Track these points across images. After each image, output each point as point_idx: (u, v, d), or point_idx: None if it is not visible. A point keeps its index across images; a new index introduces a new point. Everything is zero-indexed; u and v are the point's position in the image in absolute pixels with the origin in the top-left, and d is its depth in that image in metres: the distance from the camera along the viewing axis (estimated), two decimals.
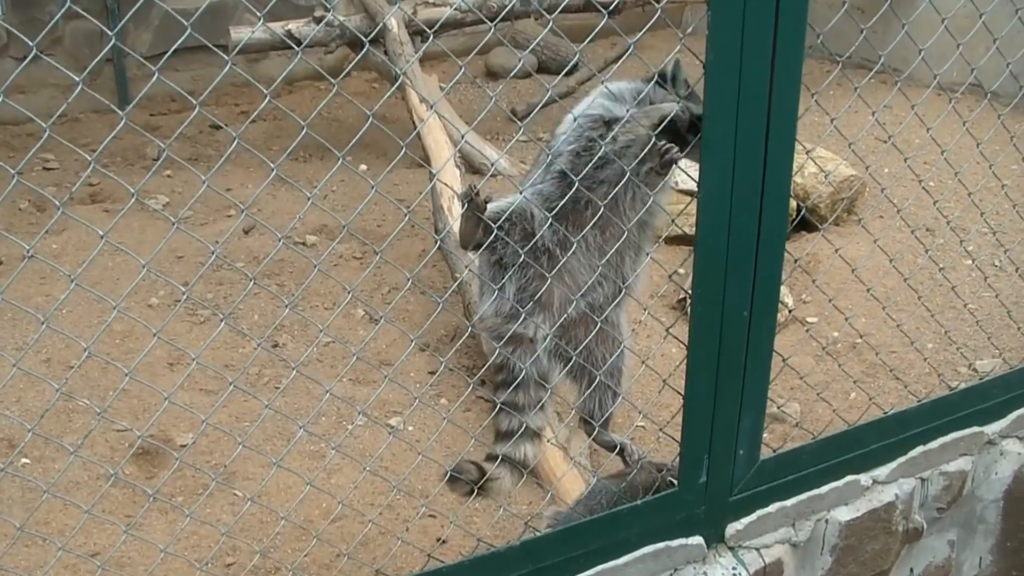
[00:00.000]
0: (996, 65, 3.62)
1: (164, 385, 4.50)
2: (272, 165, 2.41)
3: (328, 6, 7.21)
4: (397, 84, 6.49)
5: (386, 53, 6.95)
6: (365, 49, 4.70)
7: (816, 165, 5.48)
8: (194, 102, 2.18)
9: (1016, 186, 5.73)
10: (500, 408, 3.70)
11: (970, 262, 5.45)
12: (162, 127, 7.50)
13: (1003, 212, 5.80)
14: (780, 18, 2.66)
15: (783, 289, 4.87)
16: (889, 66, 3.50)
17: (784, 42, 2.68)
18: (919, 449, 3.59)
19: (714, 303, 2.88)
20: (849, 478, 3.44)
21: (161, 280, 5.40)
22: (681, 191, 6.05)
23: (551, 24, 2.91)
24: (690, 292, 2.84)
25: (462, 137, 5.31)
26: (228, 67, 2.25)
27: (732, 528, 3.25)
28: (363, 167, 6.87)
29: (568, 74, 8.59)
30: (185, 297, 5.29)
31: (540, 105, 7.29)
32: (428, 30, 5.64)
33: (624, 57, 8.94)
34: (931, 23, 3.38)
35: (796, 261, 3.35)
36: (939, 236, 5.73)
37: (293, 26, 6.85)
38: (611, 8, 7.12)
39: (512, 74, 8.77)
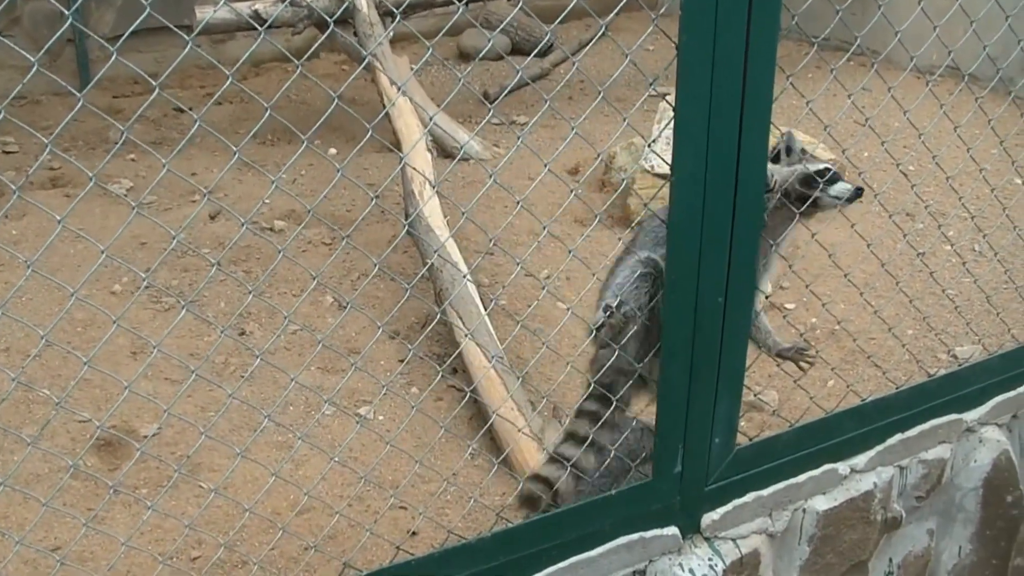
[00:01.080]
0: (975, 48, 3.63)
1: (127, 374, 4.48)
2: (235, 148, 2.40)
3: None
4: (364, 64, 6.45)
5: (355, 35, 6.92)
6: (330, 30, 4.67)
7: None
8: (153, 83, 2.16)
9: (995, 170, 5.75)
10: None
11: (950, 247, 5.48)
12: (125, 110, 7.45)
13: (983, 196, 5.83)
14: None
15: None
16: (867, 48, 3.51)
17: (759, 22, 2.69)
18: (897, 437, 3.61)
19: (688, 289, 2.89)
20: (827, 467, 3.46)
21: (124, 267, 5.37)
22: (657, 175, 6.08)
23: (521, 4, 2.89)
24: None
25: (430, 119, 5.29)
26: (188, 48, 2.23)
27: (708, 518, 3.26)
28: (332, 151, 6.85)
29: (541, 55, 8.58)
30: (145, 284, 5.26)
31: (512, 87, 7.28)
32: (396, 11, 5.62)
33: (596, 38, 8.98)
34: (909, 4, 3.40)
35: (772, 247, 3.36)
36: (919, 221, 5.75)
37: (260, 6, 6.82)
38: None
39: (483, 55, 8.75)
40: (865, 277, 4.99)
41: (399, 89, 6.31)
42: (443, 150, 6.66)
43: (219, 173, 6.42)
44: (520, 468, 3.93)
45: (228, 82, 2.39)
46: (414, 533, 3.74)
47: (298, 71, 2.35)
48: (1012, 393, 3.92)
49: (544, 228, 3.00)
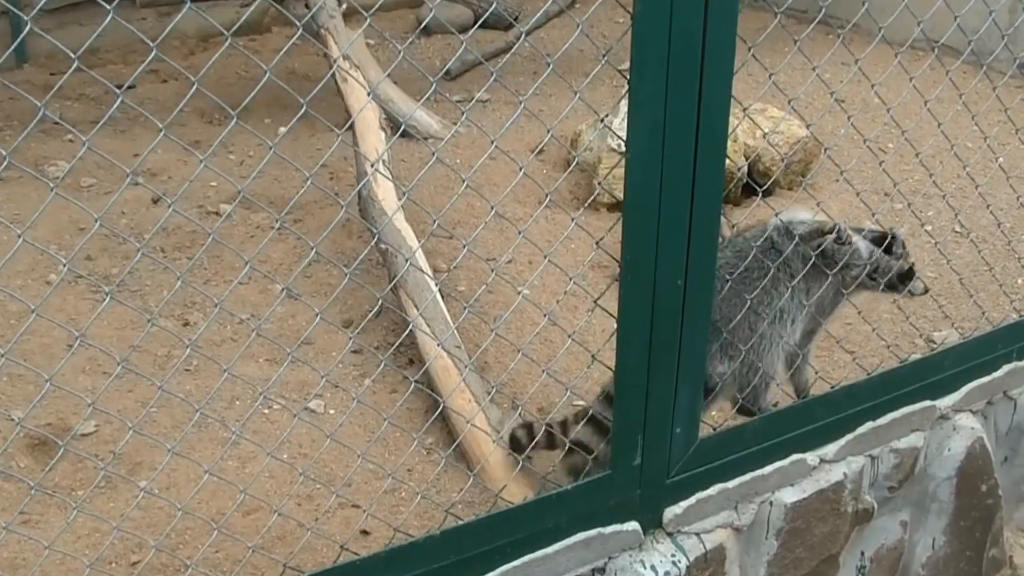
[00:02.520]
0: (947, 19, 3.64)
1: (64, 369, 4.44)
2: (161, 126, 2.37)
3: None
4: (295, 35, 6.42)
5: (307, 7, 6.89)
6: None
7: (754, 125, 5.48)
8: (72, 55, 2.13)
9: (976, 148, 5.77)
10: None
11: (929, 227, 5.49)
12: (64, 87, 7.38)
13: (963, 176, 5.84)
14: None
15: None
16: (832, 17, 3.51)
17: None
18: (868, 425, 3.62)
19: (645, 271, 2.88)
20: (795, 457, 3.47)
21: (61, 254, 5.33)
22: (623, 154, 6.08)
23: None
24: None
25: (369, 93, 5.25)
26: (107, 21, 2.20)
27: (670, 512, 3.26)
28: (282, 130, 6.80)
29: (505, 28, 8.55)
30: (66, 268, 5.21)
31: (475, 63, 7.27)
32: None
33: (563, 12, 8.96)
34: None
35: (734, 226, 3.36)
36: (896, 202, 5.76)
37: None
38: None
39: (444, 28, 8.72)
40: None
41: (338, 60, 6.24)
42: (399, 129, 6.63)
43: (164, 154, 6.38)
44: (476, 462, 3.91)
45: (148, 57, 2.35)
46: (366, 532, 3.72)
47: (227, 44, 2.32)
48: (987, 378, 3.94)
49: (492, 208, 2.98)
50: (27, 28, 7.35)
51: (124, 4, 7.61)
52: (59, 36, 2.20)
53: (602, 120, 3.85)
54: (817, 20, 3.41)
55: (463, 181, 3.00)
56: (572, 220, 3.26)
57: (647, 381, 3.02)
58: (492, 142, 2.74)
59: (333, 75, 6.51)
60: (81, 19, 7.56)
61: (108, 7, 2.28)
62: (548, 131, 3.19)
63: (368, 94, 4.73)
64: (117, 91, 2.35)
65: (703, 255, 2.96)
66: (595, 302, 3.07)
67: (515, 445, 3.85)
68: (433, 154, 2.74)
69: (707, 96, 2.79)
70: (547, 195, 3.07)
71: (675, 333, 3.00)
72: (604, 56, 2.87)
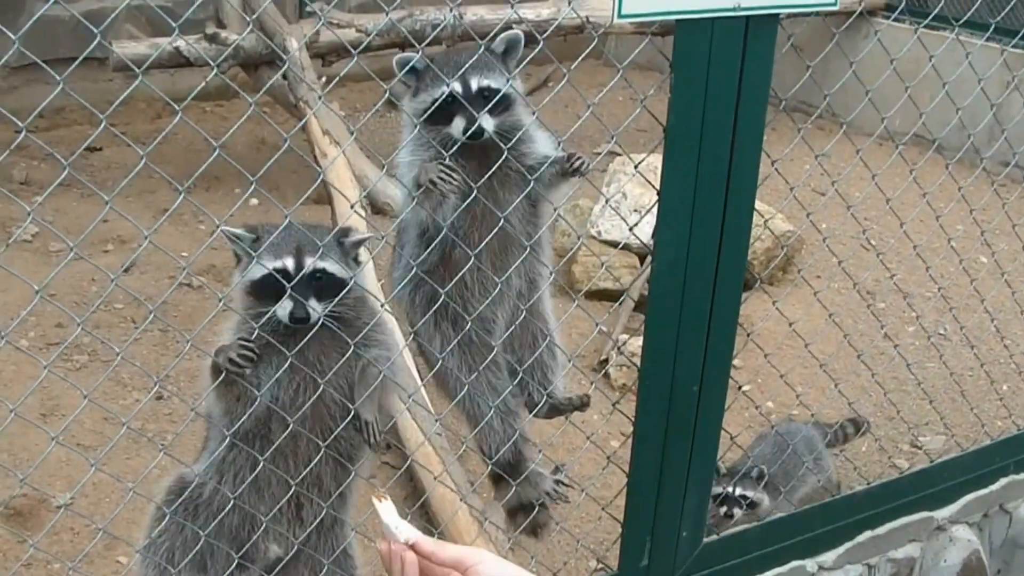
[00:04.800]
0: (943, 115, 3.79)
1: (37, 438, 4.47)
2: (105, 198, 2.43)
3: (223, 23, 7.24)
4: (251, 107, 6.51)
5: (284, 77, 6.98)
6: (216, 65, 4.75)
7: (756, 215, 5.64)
8: (19, 124, 2.17)
9: (962, 247, 5.94)
10: None
11: (913, 328, 5.64)
12: (30, 146, 7.41)
13: (948, 275, 6.01)
14: (744, 83, 2.79)
15: None
16: (829, 111, 3.66)
17: (747, 110, 2.82)
18: (867, 534, 3.74)
19: (663, 376, 3.00)
20: (794, 563, 3.58)
21: (31, 320, 5.37)
22: (604, 242, 6.21)
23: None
24: (615, 352, 2.94)
25: (327, 164, 5.34)
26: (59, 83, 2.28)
27: None
28: (254, 201, 6.87)
29: None
30: (10, 331, 5.24)
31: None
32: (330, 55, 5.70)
33: (538, 89, 9.12)
34: (875, 66, 3.53)
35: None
36: (880, 300, 5.92)
37: (182, 43, 6.85)
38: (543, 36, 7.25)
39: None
40: (824, 359, 5.13)
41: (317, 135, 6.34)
42: (374, 206, 6.72)
43: (134, 220, 6.41)
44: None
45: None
46: None
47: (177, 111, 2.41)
48: (984, 491, 4.08)
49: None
50: None
51: (92, 65, 7.73)
52: (25, 94, 2.28)
53: (608, 201, 3.97)
54: (820, 111, 3.56)
55: None
56: (575, 303, 3.35)
57: (659, 484, 3.12)
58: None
59: (312, 148, 6.62)
60: (48, 78, 7.59)
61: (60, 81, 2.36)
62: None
63: (327, 165, 4.82)
64: (63, 161, 2.38)
65: (719, 363, 3.08)
66: (614, 406, 3.18)
67: None
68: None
69: (731, 209, 2.92)
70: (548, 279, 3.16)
71: (688, 437, 3.12)
72: (613, 138, 2.97)
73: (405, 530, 1.67)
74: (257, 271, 2.88)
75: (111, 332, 5.46)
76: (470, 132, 3.26)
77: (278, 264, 2.87)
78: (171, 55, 6.80)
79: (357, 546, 3.24)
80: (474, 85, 3.30)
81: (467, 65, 3.31)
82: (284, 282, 2.79)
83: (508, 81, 3.35)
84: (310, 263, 2.85)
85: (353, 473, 3.05)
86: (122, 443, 4.57)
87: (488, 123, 3.29)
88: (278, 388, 2.89)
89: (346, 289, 2.91)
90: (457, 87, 3.28)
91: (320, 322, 2.85)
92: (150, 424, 4.81)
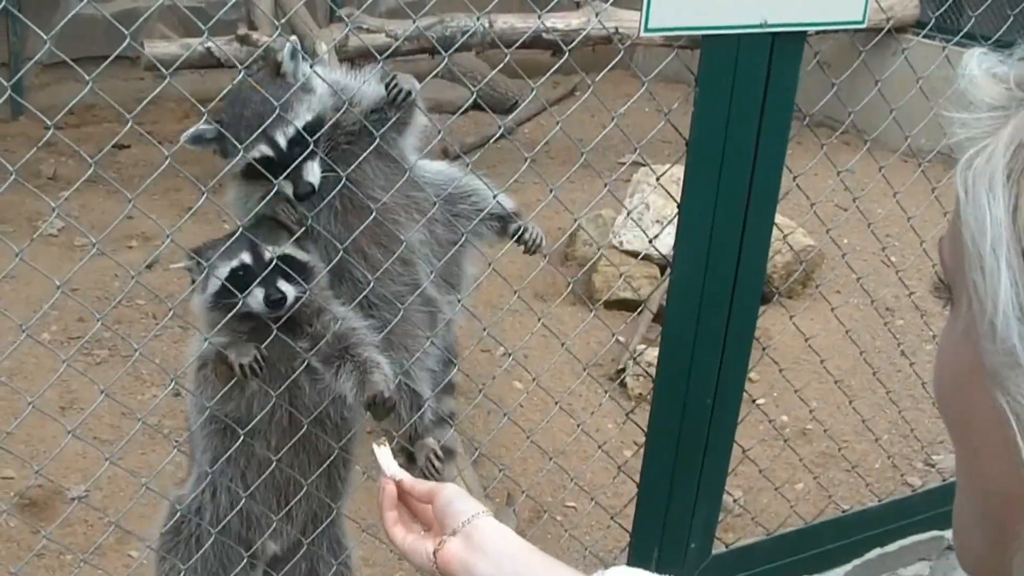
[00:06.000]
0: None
1: (54, 430, 4.49)
2: (130, 196, 2.45)
3: (254, 24, 7.26)
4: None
5: None
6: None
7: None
8: (48, 123, 2.19)
9: None
10: None
11: (930, 347, 5.62)
12: (58, 143, 7.46)
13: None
14: (768, 100, 2.79)
15: None
16: (853, 126, 3.64)
17: (770, 126, 2.82)
18: (876, 552, 3.73)
19: (678, 389, 3.00)
20: None
21: (53, 314, 5.39)
22: (625, 252, 6.20)
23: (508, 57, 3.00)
24: (632, 362, 2.94)
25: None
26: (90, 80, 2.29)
27: None
28: None
29: (506, 112, 8.71)
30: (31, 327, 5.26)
31: (476, 145, 7.40)
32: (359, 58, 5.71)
33: (565, 98, 9.13)
34: (903, 83, 3.52)
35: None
36: (899, 316, 5.90)
37: (213, 44, 6.88)
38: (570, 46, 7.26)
39: (442, 108, 8.87)
40: (840, 375, 5.12)
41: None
42: None
43: (158, 217, 6.43)
44: None
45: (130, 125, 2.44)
46: None
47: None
48: None
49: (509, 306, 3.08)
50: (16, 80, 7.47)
51: (124, 63, 7.76)
52: (57, 91, 2.29)
53: (628, 213, 3.98)
54: (845, 126, 3.55)
55: None
56: (592, 313, 3.36)
57: (668, 495, 3.11)
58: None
59: None
60: (78, 75, 7.64)
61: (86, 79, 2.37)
62: (575, 221, 3.29)
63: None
64: (89, 159, 2.38)
65: (733, 377, 3.08)
66: (627, 416, 3.18)
67: None
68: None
69: (751, 223, 2.92)
70: (568, 289, 3.16)
71: (699, 449, 3.11)
72: (636, 149, 2.97)
73: (395, 471, 1.91)
74: (216, 278, 2.72)
75: (132, 328, 5.49)
76: (299, 194, 2.70)
77: (235, 263, 2.69)
78: (202, 56, 6.83)
79: (350, 533, 3.22)
80: (281, 141, 2.70)
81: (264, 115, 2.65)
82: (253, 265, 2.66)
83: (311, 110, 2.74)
84: (270, 251, 2.68)
85: (341, 475, 3.02)
86: (138, 438, 4.58)
87: (314, 175, 2.71)
88: (255, 402, 2.78)
89: (319, 277, 2.77)
90: (265, 149, 2.70)
91: (293, 309, 2.67)
92: (167, 420, 4.83)
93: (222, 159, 2.79)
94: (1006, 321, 0.83)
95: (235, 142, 2.61)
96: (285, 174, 2.67)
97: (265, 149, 2.68)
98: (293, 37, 2.77)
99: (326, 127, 2.74)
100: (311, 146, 2.65)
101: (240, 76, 2.59)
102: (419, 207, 2.95)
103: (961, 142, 0.90)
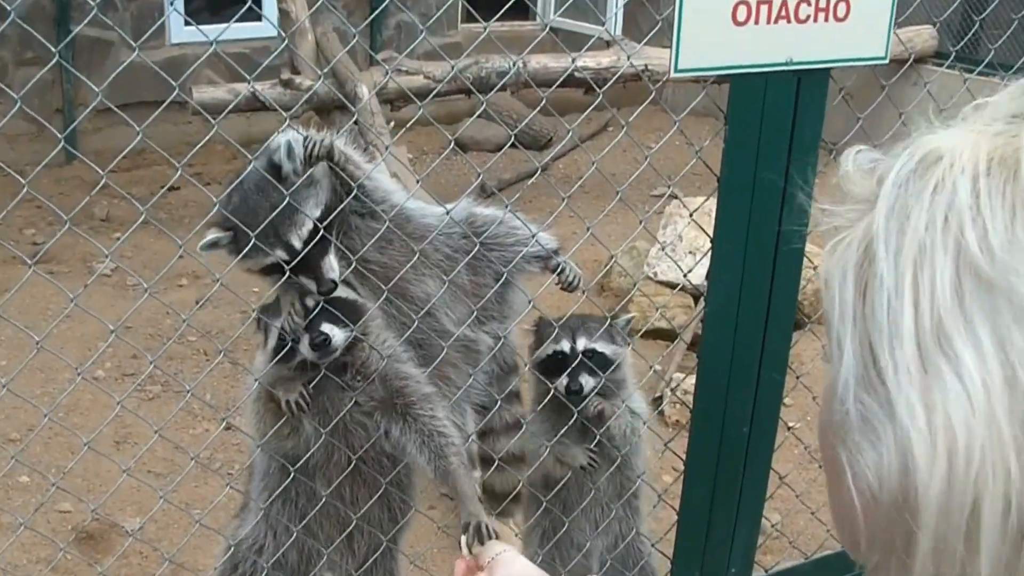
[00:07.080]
0: None
1: (110, 464, 4.53)
2: (178, 243, 2.49)
3: (296, 69, 7.35)
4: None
5: (356, 123, 7.07)
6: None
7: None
8: (99, 171, 2.23)
9: None
10: None
11: None
12: (110, 186, 7.55)
13: None
14: (795, 134, 2.81)
15: None
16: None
17: (798, 160, 2.84)
18: None
19: (715, 417, 3.01)
20: None
21: (108, 351, 5.45)
22: (661, 283, 6.22)
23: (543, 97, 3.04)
24: (669, 391, 2.95)
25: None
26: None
27: None
28: None
29: (540, 149, 8.77)
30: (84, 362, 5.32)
31: (512, 181, 7.44)
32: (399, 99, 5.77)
33: (598, 133, 9.18)
34: (925, 113, 3.51)
35: None
36: None
37: (258, 89, 6.97)
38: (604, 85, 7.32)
39: (480, 146, 8.94)
40: None
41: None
42: None
43: (205, 263, 6.52)
44: None
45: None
46: None
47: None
48: None
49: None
50: (72, 126, 7.57)
51: (173, 108, 7.87)
52: (110, 135, 2.33)
53: (664, 248, 4.00)
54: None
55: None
56: (630, 345, 3.38)
57: (708, 522, 3.12)
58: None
59: None
60: (128, 121, 7.76)
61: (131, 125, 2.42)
62: (612, 256, 3.31)
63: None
64: (140, 207, 2.43)
65: (768, 405, 3.09)
66: (666, 445, 3.19)
67: None
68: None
69: (782, 255, 2.93)
70: (606, 322, 3.18)
71: (738, 476, 3.12)
72: (670, 186, 3.00)
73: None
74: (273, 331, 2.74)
75: (184, 364, 5.55)
76: (322, 292, 2.68)
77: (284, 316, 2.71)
78: (248, 100, 6.93)
79: (403, 564, 3.24)
80: (297, 244, 2.66)
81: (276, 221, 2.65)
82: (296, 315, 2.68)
83: (318, 205, 2.72)
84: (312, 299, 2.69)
85: (406, 511, 3.03)
86: (191, 471, 4.63)
87: (334, 270, 2.70)
88: (313, 441, 2.78)
89: (365, 316, 2.75)
90: (282, 254, 2.67)
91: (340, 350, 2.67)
92: (219, 453, 4.88)
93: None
94: (846, 385, 0.95)
95: (251, 250, 2.63)
96: (305, 271, 2.67)
97: (282, 254, 2.66)
98: (291, 133, 2.73)
99: (334, 215, 2.69)
100: (325, 239, 2.65)
101: (243, 175, 2.68)
102: (427, 257, 2.91)
103: (829, 231, 1.04)
